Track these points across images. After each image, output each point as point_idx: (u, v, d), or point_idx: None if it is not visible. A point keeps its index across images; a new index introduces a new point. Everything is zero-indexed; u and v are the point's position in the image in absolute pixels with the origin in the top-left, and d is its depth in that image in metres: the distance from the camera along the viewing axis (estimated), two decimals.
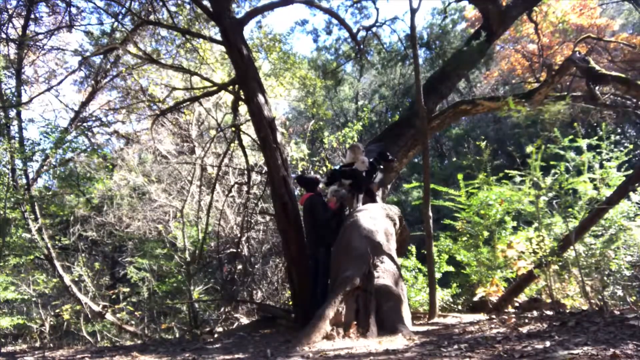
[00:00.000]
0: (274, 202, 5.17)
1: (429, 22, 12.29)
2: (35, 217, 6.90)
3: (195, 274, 7.09)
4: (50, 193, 8.34)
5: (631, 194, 4.41)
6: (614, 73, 5.81)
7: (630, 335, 2.38)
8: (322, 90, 9.66)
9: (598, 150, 4.78)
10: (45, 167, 7.57)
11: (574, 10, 10.18)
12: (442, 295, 6.24)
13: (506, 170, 5.45)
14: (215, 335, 5.14)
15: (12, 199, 6.27)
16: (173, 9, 6.75)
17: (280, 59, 8.25)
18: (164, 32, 7.44)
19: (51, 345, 6.56)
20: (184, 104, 7.09)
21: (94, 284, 7.63)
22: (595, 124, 10.52)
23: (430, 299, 5.10)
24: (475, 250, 6.10)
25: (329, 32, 8.68)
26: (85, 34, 8.15)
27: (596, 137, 4.86)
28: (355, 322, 3.58)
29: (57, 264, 6.95)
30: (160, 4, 6.78)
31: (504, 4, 7.18)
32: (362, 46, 7.51)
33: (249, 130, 6.68)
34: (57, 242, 7.79)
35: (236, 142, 6.23)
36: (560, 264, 4.41)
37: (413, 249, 6.77)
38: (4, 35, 6.92)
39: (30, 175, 7.20)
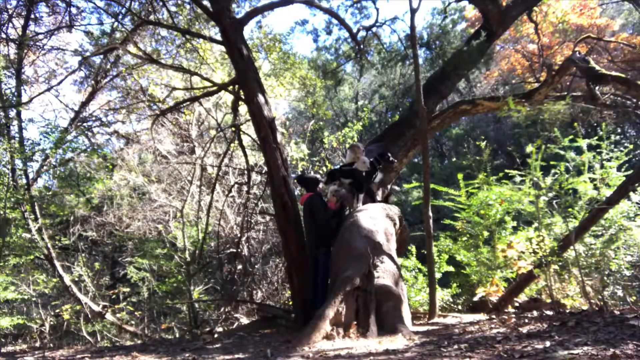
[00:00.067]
0: (274, 202, 5.17)
1: (429, 22, 12.27)
2: (35, 217, 6.89)
3: (195, 274, 7.08)
4: (50, 193, 8.33)
5: (631, 194, 4.41)
6: (614, 73, 5.80)
7: (630, 335, 2.38)
8: (322, 90, 9.66)
9: (598, 150, 4.79)
10: (45, 167, 7.57)
11: (574, 10, 10.18)
12: (442, 295, 6.24)
13: (506, 170, 5.45)
14: (215, 335, 5.14)
15: (12, 199, 6.27)
16: (173, 9, 6.75)
17: (280, 59, 8.25)
18: (164, 32, 7.44)
19: (51, 345, 6.56)
20: (184, 104, 7.09)
21: (94, 284, 7.63)
22: (595, 124, 10.54)
23: (430, 299, 5.10)
24: (475, 250, 6.10)
25: (329, 32, 8.67)
26: (85, 34, 8.16)
27: (596, 137, 4.86)
28: (355, 322, 3.58)
29: (57, 264, 6.95)
30: (160, 4, 6.78)
31: (504, 4, 7.18)
32: (362, 46, 7.51)
33: (249, 130, 6.68)
34: (57, 242, 7.79)
35: (236, 142, 6.23)
36: (560, 264, 4.42)
37: (413, 249, 6.77)
38: (4, 35, 6.92)
39: (30, 175, 7.20)
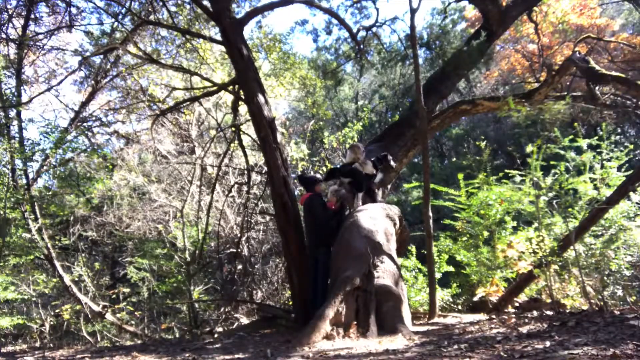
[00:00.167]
0: (274, 202, 5.17)
1: (429, 22, 12.27)
2: (35, 217, 6.89)
3: (195, 274, 7.09)
4: (50, 193, 8.33)
5: (631, 194, 4.41)
6: (614, 73, 5.81)
7: (630, 335, 2.38)
8: (322, 90, 9.65)
9: (598, 150, 4.79)
10: (45, 167, 7.57)
11: (574, 10, 10.19)
12: (442, 295, 6.24)
13: (506, 170, 5.45)
14: (215, 335, 5.14)
15: (12, 199, 6.27)
16: (173, 9, 6.75)
17: (280, 59, 8.25)
18: (164, 32, 7.44)
19: (51, 345, 6.56)
20: (184, 104, 7.09)
21: (94, 284, 7.63)
22: (595, 124, 10.54)
23: (430, 299, 5.09)
24: (475, 250, 6.10)
25: (329, 32, 8.68)
26: (85, 34, 8.15)
27: (596, 137, 4.86)
28: (355, 322, 3.58)
29: (57, 264, 6.94)
30: (160, 4, 6.78)
31: (504, 4, 7.18)
32: (362, 46, 7.51)
33: (249, 130, 6.68)
34: (57, 242, 7.79)
35: (236, 142, 6.23)
36: (560, 264, 4.42)
37: (413, 249, 6.77)
38: (4, 35, 6.92)
39: (30, 175, 7.20)
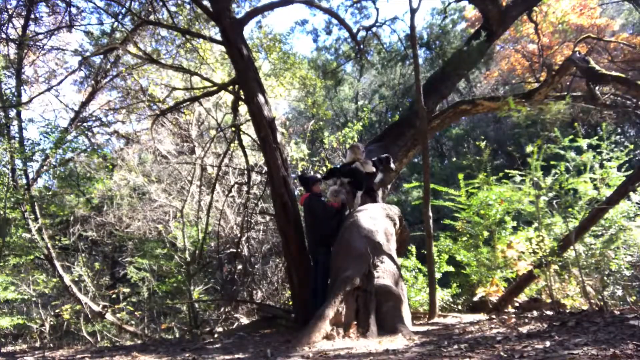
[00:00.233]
0: (274, 202, 5.17)
1: (429, 22, 12.27)
2: (35, 217, 6.89)
3: (195, 274, 7.09)
4: (50, 193, 8.33)
5: (631, 194, 4.41)
6: (614, 73, 5.81)
7: (630, 335, 2.38)
8: (322, 90, 9.66)
9: (598, 150, 4.78)
10: (45, 167, 7.57)
11: (574, 10, 10.18)
12: (442, 295, 6.24)
13: (506, 170, 5.45)
14: (215, 335, 5.14)
15: (12, 199, 6.27)
16: (173, 9, 6.75)
17: (280, 59, 8.25)
18: (164, 32, 7.44)
19: (51, 345, 6.56)
20: (184, 104, 7.09)
21: (94, 284, 7.63)
22: (595, 124, 10.54)
23: (430, 299, 5.10)
24: (475, 250, 6.10)
25: (329, 32, 8.68)
26: (85, 34, 8.15)
27: (596, 137, 4.86)
28: (355, 322, 3.58)
29: (57, 264, 6.94)
30: (160, 4, 6.78)
31: (504, 4, 7.18)
32: (362, 46, 7.51)
33: (249, 130, 6.68)
34: (57, 242, 7.79)
35: (236, 142, 6.23)
36: (560, 264, 4.41)
37: (413, 249, 6.77)
38: (4, 35, 6.92)
39: (30, 175, 7.20)
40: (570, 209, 4.59)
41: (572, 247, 4.10)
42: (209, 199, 6.57)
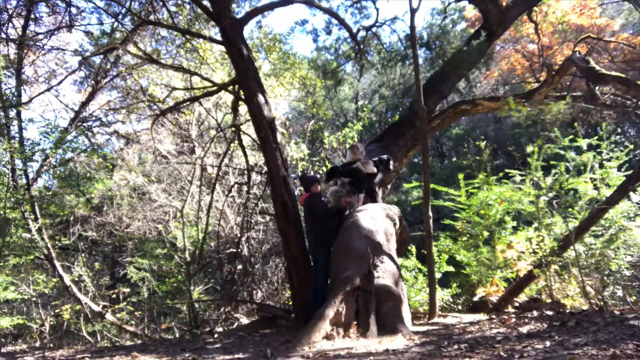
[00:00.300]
0: (274, 202, 5.17)
1: (429, 22, 12.27)
2: (35, 217, 6.89)
3: (195, 274, 7.08)
4: (50, 193, 8.33)
5: (631, 194, 4.41)
6: (614, 73, 5.81)
7: (630, 335, 2.38)
8: (322, 90, 9.66)
9: (598, 150, 4.78)
10: (45, 167, 7.57)
11: (574, 10, 10.18)
12: (442, 295, 6.24)
13: (506, 170, 5.45)
14: (215, 335, 5.14)
15: (12, 199, 6.27)
16: (173, 9, 6.75)
17: (280, 59, 8.25)
18: (164, 32, 7.44)
19: (51, 345, 6.55)
20: (184, 104, 7.09)
21: (94, 284, 7.63)
22: (595, 124, 10.54)
23: (430, 299, 5.10)
24: (475, 250, 6.10)
25: (329, 32, 8.67)
26: (85, 34, 8.15)
27: (596, 137, 4.86)
28: (355, 322, 3.58)
29: (57, 264, 6.94)
30: (160, 4, 6.78)
31: (504, 4, 7.18)
32: (362, 46, 7.51)
33: (249, 130, 6.68)
34: (57, 242, 7.79)
35: (236, 142, 6.23)
36: (560, 264, 4.41)
37: (413, 249, 6.77)
38: (4, 35, 6.92)
39: (30, 175, 7.20)
40: (570, 209, 4.59)
41: (572, 247, 4.10)
42: (209, 199, 6.57)
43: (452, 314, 5.51)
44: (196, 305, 6.98)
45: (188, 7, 6.87)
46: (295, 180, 6.29)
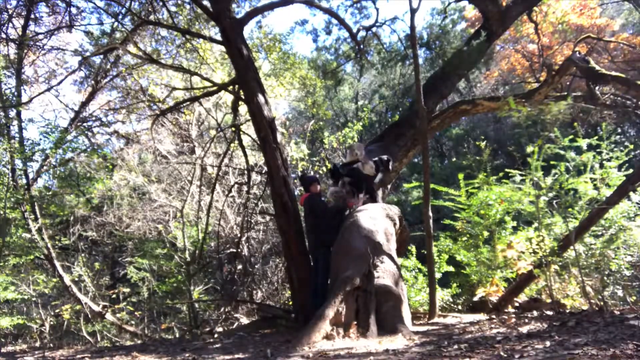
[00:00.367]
0: (274, 202, 5.17)
1: (429, 22, 12.28)
2: (35, 217, 6.89)
3: (195, 274, 7.09)
4: (50, 193, 8.33)
5: (631, 194, 4.41)
6: (614, 73, 5.81)
7: (630, 335, 2.38)
8: (322, 90, 9.66)
9: (598, 150, 4.78)
10: (45, 167, 7.57)
11: (574, 10, 10.18)
12: (442, 295, 6.24)
13: (506, 170, 5.45)
14: (215, 335, 5.14)
15: (12, 199, 6.27)
16: (173, 9, 6.75)
17: (280, 59, 8.25)
18: (164, 32, 7.44)
19: (51, 345, 6.55)
20: (184, 104, 7.09)
21: (94, 284, 7.64)
22: (595, 124, 10.54)
23: (430, 299, 5.10)
24: (475, 250, 6.10)
25: (329, 32, 8.68)
26: (85, 34, 8.15)
27: (596, 137, 4.86)
28: (355, 322, 3.58)
29: (57, 264, 6.94)
30: (160, 4, 6.78)
31: (504, 4, 7.18)
32: (362, 46, 7.51)
33: (249, 130, 6.68)
34: (57, 242, 7.79)
35: (236, 142, 6.23)
36: (560, 264, 4.42)
37: (413, 249, 6.77)
38: (4, 35, 6.92)
39: (30, 175, 7.20)
40: (570, 209, 4.59)
41: (572, 247, 4.10)
42: (209, 199, 6.57)
43: (452, 314, 5.51)
44: (196, 305, 6.98)
45: (188, 7, 6.87)
46: (295, 180, 6.28)
